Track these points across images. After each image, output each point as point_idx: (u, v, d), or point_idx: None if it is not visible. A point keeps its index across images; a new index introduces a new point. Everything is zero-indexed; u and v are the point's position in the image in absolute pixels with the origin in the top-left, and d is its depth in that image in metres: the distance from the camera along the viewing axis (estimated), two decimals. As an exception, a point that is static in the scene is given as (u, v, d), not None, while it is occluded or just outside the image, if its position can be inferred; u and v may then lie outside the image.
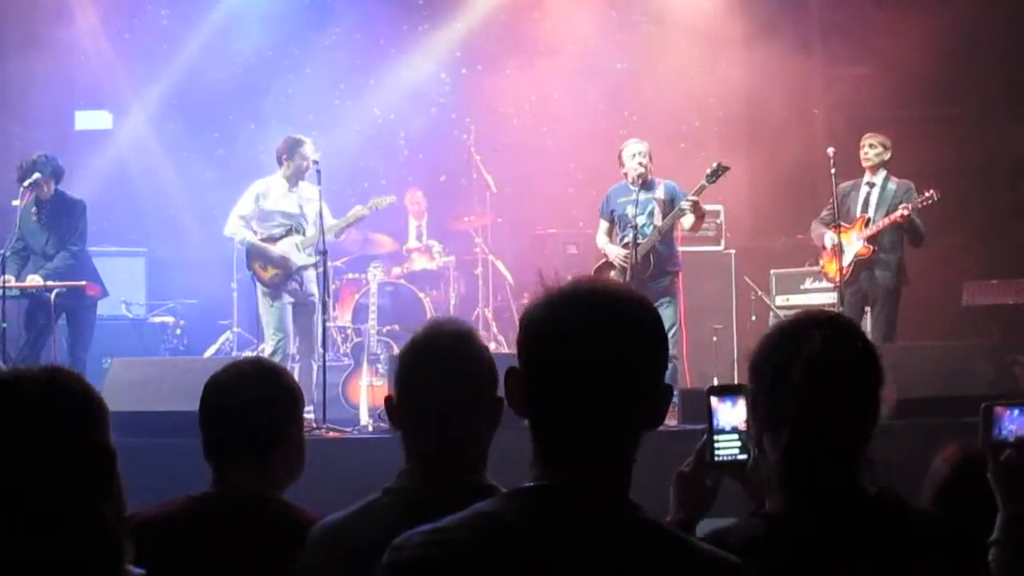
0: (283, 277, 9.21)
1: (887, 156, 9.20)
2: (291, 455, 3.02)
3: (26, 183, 8.93)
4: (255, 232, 9.33)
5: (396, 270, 11.35)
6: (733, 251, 11.33)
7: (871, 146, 9.20)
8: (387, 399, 2.67)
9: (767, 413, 2.26)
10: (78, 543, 1.98)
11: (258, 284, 9.26)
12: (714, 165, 8.77)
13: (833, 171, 8.96)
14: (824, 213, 9.37)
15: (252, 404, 2.95)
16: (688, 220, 8.90)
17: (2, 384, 2.09)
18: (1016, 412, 2.59)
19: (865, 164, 9.22)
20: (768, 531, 2.17)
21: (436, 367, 2.56)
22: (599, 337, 1.86)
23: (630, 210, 8.94)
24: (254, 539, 2.84)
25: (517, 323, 2.11)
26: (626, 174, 9.06)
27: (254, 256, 9.25)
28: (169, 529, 2.87)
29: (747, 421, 2.38)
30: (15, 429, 2.01)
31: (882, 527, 2.15)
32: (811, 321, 2.32)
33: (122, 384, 7.97)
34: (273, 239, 9.26)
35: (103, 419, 2.20)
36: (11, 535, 1.95)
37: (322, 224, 8.93)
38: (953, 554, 2.24)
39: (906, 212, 8.84)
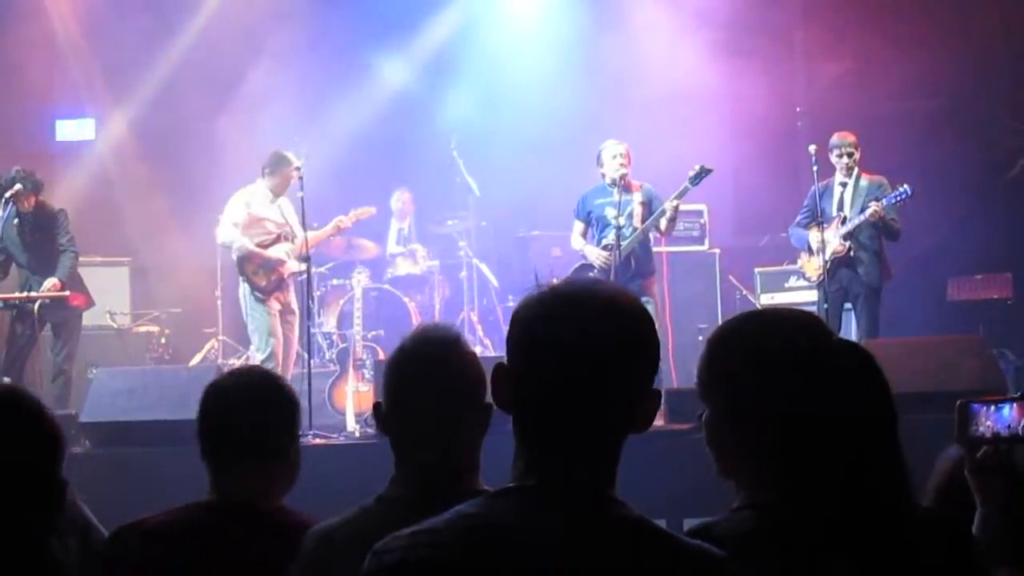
0: (277, 284, 9.21)
1: (859, 156, 9.19)
2: (291, 465, 3.01)
3: (6, 195, 8.91)
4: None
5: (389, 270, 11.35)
6: (717, 250, 11.34)
7: (848, 154, 9.15)
8: (376, 405, 2.66)
9: (746, 405, 2.21)
10: None
11: (249, 290, 9.21)
12: (697, 168, 8.78)
13: (815, 168, 8.97)
14: (799, 217, 9.37)
15: (256, 413, 2.93)
16: (663, 221, 8.92)
17: None
18: (992, 409, 2.58)
19: (844, 170, 9.17)
20: (760, 524, 2.13)
21: (425, 375, 2.56)
22: (590, 337, 1.85)
23: (609, 212, 8.95)
24: (259, 546, 2.83)
25: (502, 326, 2.09)
26: (604, 174, 9.07)
27: (249, 262, 9.19)
28: (173, 537, 2.85)
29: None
30: None
31: (879, 520, 2.13)
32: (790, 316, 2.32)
33: (107, 394, 7.94)
34: (263, 246, 9.23)
35: (55, 448, 2.06)
36: None
37: (305, 230, 8.94)
38: (947, 549, 2.23)
39: (878, 211, 8.83)
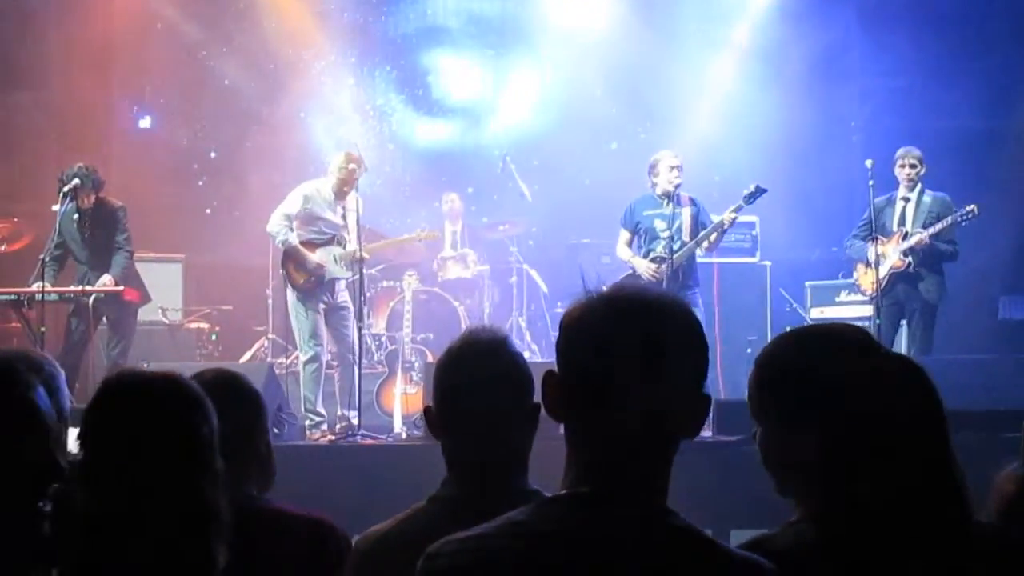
0: (315, 284, 9.17)
1: (923, 171, 9.14)
2: (259, 460, 3.02)
3: (66, 189, 8.96)
4: (296, 233, 9.27)
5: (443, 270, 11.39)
6: (768, 263, 11.28)
7: (912, 166, 9.10)
8: (426, 408, 2.68)
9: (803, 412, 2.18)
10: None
11: (290, 289, 9.23)
12: (752, 187, 8.76)
13: (871, 183, 8.92)
14: (857, 230, 9.32)
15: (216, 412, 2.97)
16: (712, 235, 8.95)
17: (134, 387, 2.27)
18: None
19: (906, 181, 9.14)
20: (818, 537, 2.11)
21: (474, 376, 2.58)
22: (640, 341, 1.84)
23: (658, 224, 8.96)
24: (245, 542, 2.87)
25: (551, 332, 2.09)
26: (655, 184, 9.05)
27: (290, 258, 9.20)
28: None
29: None
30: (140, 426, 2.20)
31: (937, 534, 2.11)
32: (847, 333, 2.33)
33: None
34: (313, 244, 9.21)
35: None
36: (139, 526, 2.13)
37: (359, 231, 8.98)
38: (1010, 565, 2.20)
39: (923, 239, 8.81)
